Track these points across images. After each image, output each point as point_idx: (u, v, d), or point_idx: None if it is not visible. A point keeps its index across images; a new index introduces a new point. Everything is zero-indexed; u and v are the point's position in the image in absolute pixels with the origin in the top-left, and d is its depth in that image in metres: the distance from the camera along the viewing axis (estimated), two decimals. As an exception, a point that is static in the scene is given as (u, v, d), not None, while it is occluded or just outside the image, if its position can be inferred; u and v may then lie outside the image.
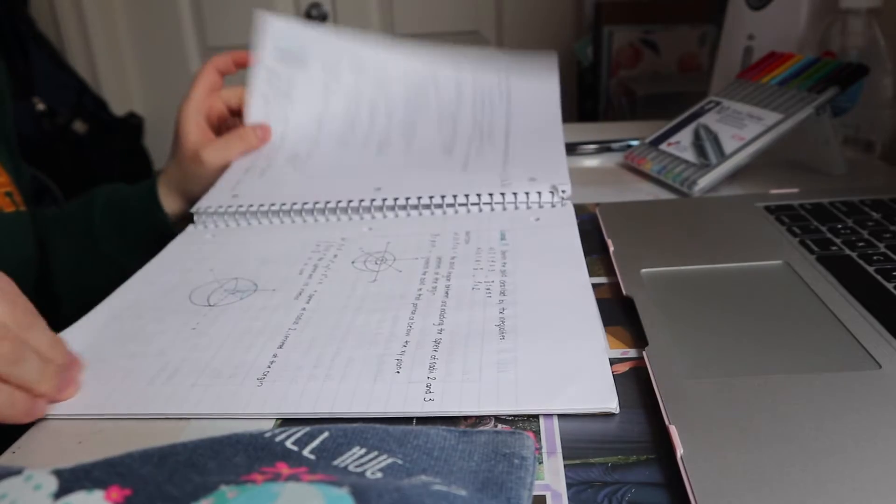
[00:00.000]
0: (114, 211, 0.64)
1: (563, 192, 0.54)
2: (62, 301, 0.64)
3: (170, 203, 0.64)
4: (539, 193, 0.54)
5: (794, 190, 0.53)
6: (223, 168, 0.63)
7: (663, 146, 0.64)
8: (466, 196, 0.55)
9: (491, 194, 0.55)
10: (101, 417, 0.34)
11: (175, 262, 0.51)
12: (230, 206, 0.57)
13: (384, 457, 0.27)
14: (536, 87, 0.72)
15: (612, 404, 0.31)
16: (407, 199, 0.55)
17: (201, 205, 0.58)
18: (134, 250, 0.63)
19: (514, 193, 0.54)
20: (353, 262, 0.48)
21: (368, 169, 0.62)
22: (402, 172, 0.61)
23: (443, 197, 0.55)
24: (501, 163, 0.61)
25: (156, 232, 0.63)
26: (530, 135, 0.66)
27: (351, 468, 0.26)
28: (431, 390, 0.33)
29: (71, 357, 0.36)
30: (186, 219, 0.63)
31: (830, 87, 0.57)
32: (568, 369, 0.33)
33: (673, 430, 0.28)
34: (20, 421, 0.33)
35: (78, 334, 0.41)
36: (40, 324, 0.34)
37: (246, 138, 0.65)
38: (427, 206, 0.55)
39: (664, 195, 0.59)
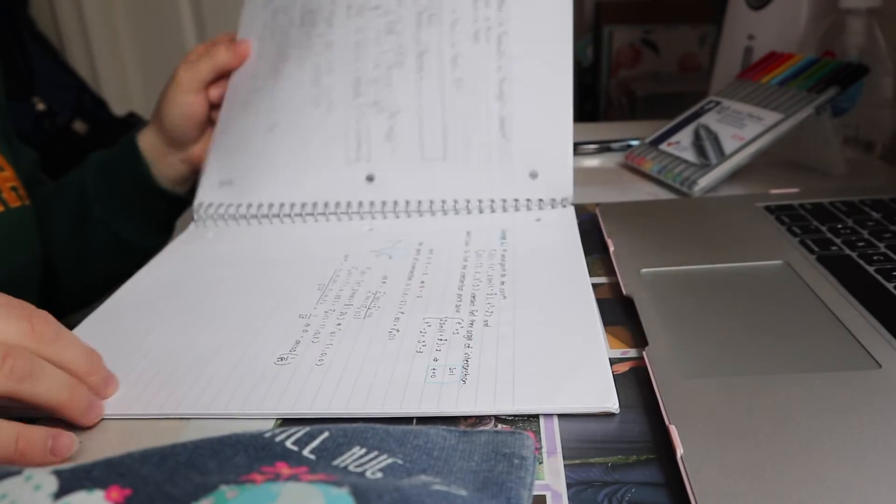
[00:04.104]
0: (103, 171, 0.64)
1: (565, 199, 0.54)
2: (60, 280, 0.65)
3: (149, 140, 0.63)
4: (541, 200, 0.54)
5: (794, 190, 0.53)
6: (196, 91, 0.60)
7: (663, 146, 0.64)
8: (467, 200, 0.55)
9: (492, 200, 0.54)
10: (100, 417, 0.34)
11: (175, 261, 0.51)
12: (230, 206, 0.57)
13: (384, 457, 0.27)
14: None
15: (611, 404, 0.31)
16: (407, 202, 0.55)
17: (202, 199, 0.58)
18: (122, 210, 0.63)
19: (516, 199, 0.54)
20: (353, 264, 0.48)
21: (349, 141, 0.56)
22: (390, 150, 0.56)
23: (443, 201, 0.55)
24: (499, 134, 0.55)
25: (136, 182, 0.63)
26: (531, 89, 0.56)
27: (351, 468, 0.26)
28: (428, 390, 0.33)
29: (107, 374, 0.34)
30: (174, 176, 0.63)
31: (830, 87, 0.57)
32: (567, 369, 0.33)
33: (673, 430, 0.28)
34: (36, 463, 0.29)
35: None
36: (67, 337, 0.32)
37: (216, 54, 0.61)
38: (428, 209, 0.55)
39: (664, 195, 0.59)
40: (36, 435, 0.30)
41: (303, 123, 0.57)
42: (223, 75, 0.62)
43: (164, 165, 0.63)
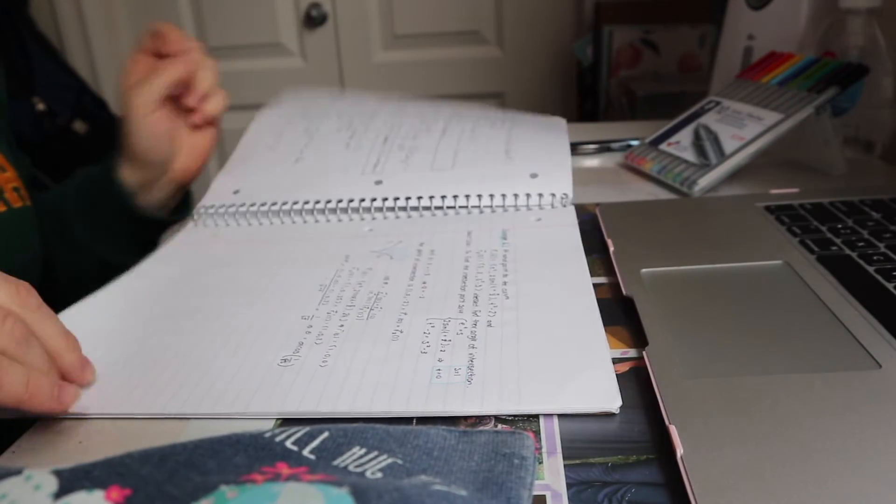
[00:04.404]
0: (82, 192, 0.61)
1: (565, 195, 0.54)
2: (59, 283, 0.64)
3: (127, 173, 0.59)
4: (540, 195, 0.54)
5: (794, 190, 0.53)
6: (153, 111, 0.56)
7: (663, 146, 0.64)
8: (467, 197, 0.55)
9: (492, 195, 0.55)
10: (100, 417, 0.34)
11: (176, 259, 0.51)
12: (231, 206, 0.57)
13: (384, 457, 0.27)
14: (542, 123, 0.72)
15: (615, 404, 0.31)
16: (407, 199, 0.56)
17: (205, 202, 0.59)
18: (103, 232, 0.60)
19: (515, 195, 0.55)
20: (354, 264, 0.48)
21: (369, 162, 0.62)
22: (403, 166, 0.61)
23: (443, 198, 0.55)
24: (503, 154, 0.61)
25: (119, 210, 0.60)
26: (533, 133, 0.66)
27: (351, 468, 0.26)
28: (434, 391, 0.33)
29: (84, 358, 0.35)
30: (156, 198, 0.61)
31: (830, 87, 0.57)
32: (571, 369, 0.33)
33: (673, 430, 0.28)
34: (45, 408, 0.30)
35: (69, 322, 0.41)
36: (47, 311, 0.33)
37: (167, 71, 0.55)
38: (427, 208, 0.55)
39: (664, 195, 0.59)
40: (44, 380, 0.30)
41: (330, 157, 0.64)
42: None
43: (150, 195, 0.61)
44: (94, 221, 0.61)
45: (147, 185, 0.60)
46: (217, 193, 0.60)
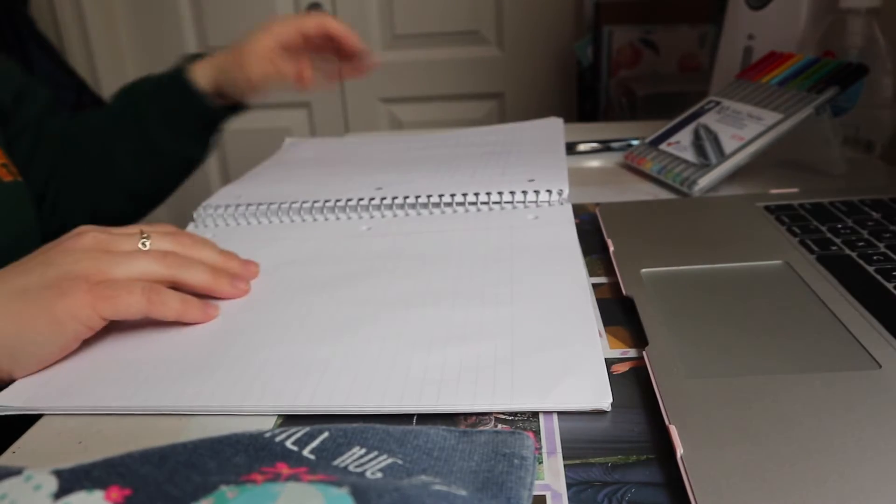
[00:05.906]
0: (159, 89, 0.69)
1: (561, 192, 0.54)
2: (130, 205, 0.72)
3: (203, 75, 0.68)
4: (537, 193, 0.54)
5: (794, 190, 0.53)
6: (259, 79, 0.67)
7: (663, 146, 0.64)
8: (465, 195, 0.55)
9: (489, 193, 0.55)
10: (100, 413, 0.34)
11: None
12: (229, 206, 0.57)
13: (384, 457, 0.27)
14: (542, 128, 0.76)
15: (605, 402, 0.31)
16: (405, 198, 0.56)
17: (206, 203, 0.59)
18: (179, 132, 0.69)
19: (513, 192, 0.55)
20: (351, 262, 0.48)
21: (369, 169, 0.64)
22: (402, 175, 0.62)
23: (440, 196, 0.55)
24: (501, 167, 0.62)
25: (193, 109, 0.68)
26: (531, 145, 0.69)
27: (351, 468, 0.26)
28: (428, 387, 0.33)
29: (243, 261, 0.47)
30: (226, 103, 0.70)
31: (830, 87, 0.57)
32: (563, 367, 0.33)
33: (673, 429, 0.28)
34: (198, 318, 0.41)
35: None
36: (206, 242, 0.45)
37: (289, 72, 0.68)
38: (425, 206, 0.55)
39: (664, 195, 0.59)
40: (223, 278, 0.43)
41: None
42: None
43: (220, 96, 0.69)
44: (167, 115, 0.69)
45: (219, 90, 0.69)
46: (219, 197, 0.61)
